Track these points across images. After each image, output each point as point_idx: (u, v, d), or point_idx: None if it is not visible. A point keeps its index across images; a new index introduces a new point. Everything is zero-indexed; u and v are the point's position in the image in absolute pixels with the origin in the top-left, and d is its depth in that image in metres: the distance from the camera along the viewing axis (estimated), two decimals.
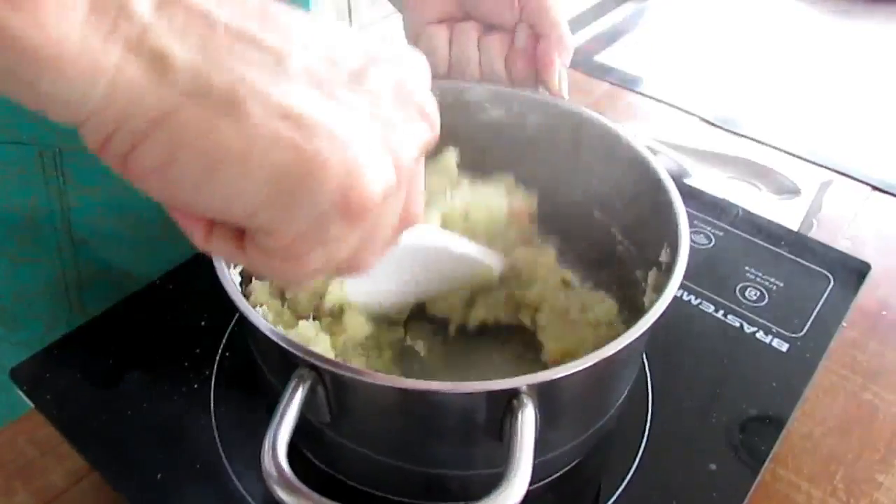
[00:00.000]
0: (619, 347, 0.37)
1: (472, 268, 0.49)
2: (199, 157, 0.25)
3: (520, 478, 0.33)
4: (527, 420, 0.35)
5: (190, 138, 0.25)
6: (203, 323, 0.59)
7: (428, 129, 0.30)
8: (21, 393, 0.54)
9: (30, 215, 0.62)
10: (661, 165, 0.50)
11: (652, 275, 0.50)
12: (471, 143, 0.59)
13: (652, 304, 0.40)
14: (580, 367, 0.37)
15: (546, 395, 0.37)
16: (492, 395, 0.37)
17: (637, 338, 0.38)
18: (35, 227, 0.63)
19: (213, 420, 0.52)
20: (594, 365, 0.37)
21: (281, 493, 0.32)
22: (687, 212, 0.47)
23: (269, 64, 0.25)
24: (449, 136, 0.60)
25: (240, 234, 0.29)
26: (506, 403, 0.36)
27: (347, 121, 0.26)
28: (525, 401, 0.36)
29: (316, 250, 0.28)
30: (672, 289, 0.41)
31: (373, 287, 0.48)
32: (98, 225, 0.65)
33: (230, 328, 0.58)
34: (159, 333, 0.58)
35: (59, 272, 0.66)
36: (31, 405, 0.53)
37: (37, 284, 0.66)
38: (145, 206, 0.64)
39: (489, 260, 0.51)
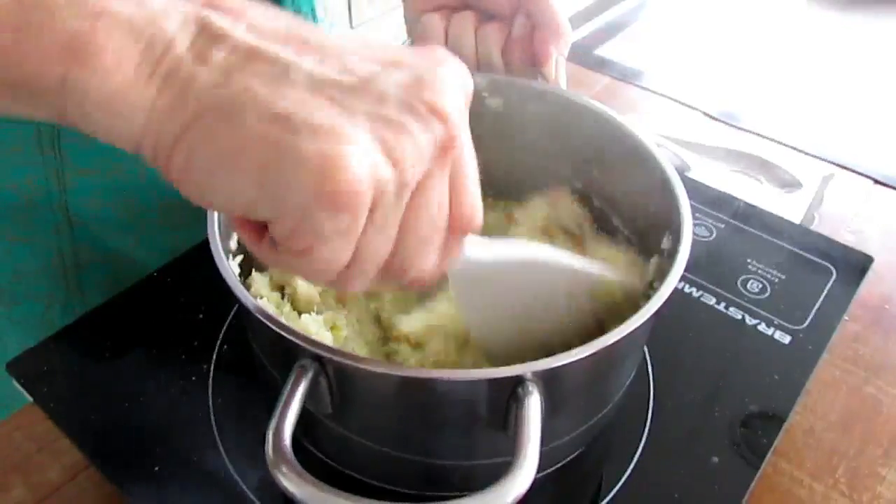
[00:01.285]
0: (624, 334, 0.37)
1: (591, 284, 0.44)
2: (205, 160, 0.28)
3: (527, 465, 0.33)
4: (533, 407, 0.35)
5: (200, 145, 0.28)
6: (201, 315, 0.58)
7: (439, 127, 0.30)
8: (18, 386, 0.53)
9: (26, 195, 0.62)
10: (662, 152, 0.50)
11: (653, 263, 0.50)
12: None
13: (654, 291, 0.40)
14: (584, 354, 0.36)
15: (550, 383, 0.37)
16: (497, 383, 0.36)
17: (642, 324, 0.38)
18: (32, 207, 0.63)
19: (212, 413, 0.52)
20: (599, 351, 0.37)
21: (285, 482, 0.32)
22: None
23: (275, 74, 0.28)
24: None
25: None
26: (511, 391, 0.36)
27: (336, 119, 0.28)
28: (531, 388, 0.35)
29: (318, 244, 0.30)
30: (676, 273, 0.40)
31: (484, 316, 0.44)
32: (95, 208, 0.65)
33: (228, 321, 0.58)
34: (157, 326, 0.58)
35: (56, 253, 0.66)
36: (28, 399, 0.53)
37: (34, 264, 0.66)
38: (143, 191, 0.65)
39: (607, 273, 0.45)
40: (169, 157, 0.29)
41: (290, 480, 0.32)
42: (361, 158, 0.28)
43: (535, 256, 0.42)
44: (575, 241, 0.57)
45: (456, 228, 0.34)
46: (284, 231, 0.30)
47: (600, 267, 0.44)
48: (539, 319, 0.44)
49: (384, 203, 0.30)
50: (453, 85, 0.31)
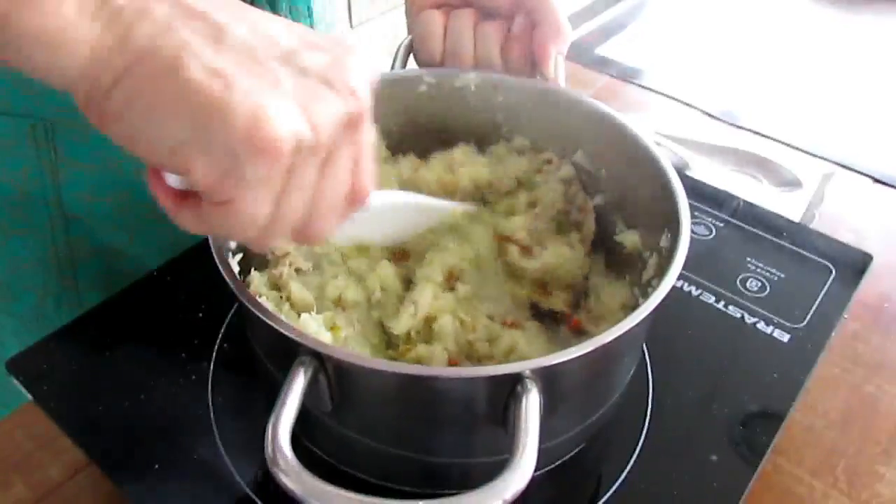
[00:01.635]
0: (623, 331, 0.37)
1: (437, 212, 0.56)
2: (143, 103, 0.31)
3: (525, 463, 0.33)
4: (531, 404, 0.35)
5: (139, 88, 0.31)
6: (201, 314, 0.59)
7: (353, 102, 0.34)
8: (18, 384, 0.53)
9: (21, 188, 0.62)
10: (661, 151, 0.50)
11: (652, 261, 0.50)
12: (467, 129, 0.59)
13: (653, 289, 0.40)
14: (583, 352, 0.36)
15: (549, 380, 0.37)
16: (495, 380, 0.36)
17: (640, 321, 0.38)
18: (26, 200, 0.63)
19: (211, 411, 0.52)
20: (597, 349, 0.37)
21: (284, 480, 0.32)
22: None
23: (211, 34, 0.31)
24: (446, 123, 0.61)
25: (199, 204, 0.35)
26: (510, 388, 0.36)
27: (266, 82, 0.32)
28: (529, 385, 0.35)
29: (241, 192, 0.32)
30: (675, 271, 0.40)
31: (353, 234, 0.53)
32: (89, 202, 0.65)
33: (228, 319, 0.58)
34: (157, 324, 0.58)
35: (51, 247, 0.66)
36: (29, 398, 0.53)
37: (28, 257, 0.66)
38: (136, 186, 0.64)
39: (449, 205, 0.57)
40: (106, 97, 0.31)
41: (289, 477, 0.32)
42: (286, 117, 0.32)
43: (399, 200, 0.53)
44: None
45: (353, 200, 0.37)
46: (209, 178, 0.32)
47: (443, 203, 0.56)
48: (402, 234, 0.56)
49: (301, 160, 0.33)
50: (364, 69, 0.36)
